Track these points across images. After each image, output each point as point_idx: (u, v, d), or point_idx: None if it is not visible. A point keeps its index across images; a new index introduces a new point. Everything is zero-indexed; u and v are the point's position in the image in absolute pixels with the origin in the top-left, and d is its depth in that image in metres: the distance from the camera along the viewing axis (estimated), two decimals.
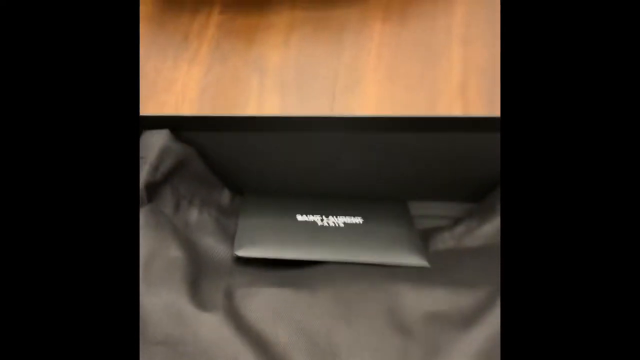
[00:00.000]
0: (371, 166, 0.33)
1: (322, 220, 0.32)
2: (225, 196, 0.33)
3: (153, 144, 0.28)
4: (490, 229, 0.30)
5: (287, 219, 0.32)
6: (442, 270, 0.27)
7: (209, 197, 0.32)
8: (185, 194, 0.30)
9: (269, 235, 0.30)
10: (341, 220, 0.32)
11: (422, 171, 0.33)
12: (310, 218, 0.32)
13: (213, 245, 0.29)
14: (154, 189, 0.28)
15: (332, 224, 0.32)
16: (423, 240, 0.32)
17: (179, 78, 0.46)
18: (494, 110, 0.40)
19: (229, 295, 0.24)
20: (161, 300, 0.23)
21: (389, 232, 0.32)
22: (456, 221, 0.32)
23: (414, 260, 0.29)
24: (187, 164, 0.30)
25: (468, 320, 0.23)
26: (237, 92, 0.45)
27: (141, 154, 0.28)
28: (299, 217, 0.32)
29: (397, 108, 0.42)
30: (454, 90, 0.41)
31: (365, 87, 0.44)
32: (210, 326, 0.22)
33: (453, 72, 0.42)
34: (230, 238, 0.30)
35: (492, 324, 0.22)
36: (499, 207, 0.30)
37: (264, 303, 0.24)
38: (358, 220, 0.32)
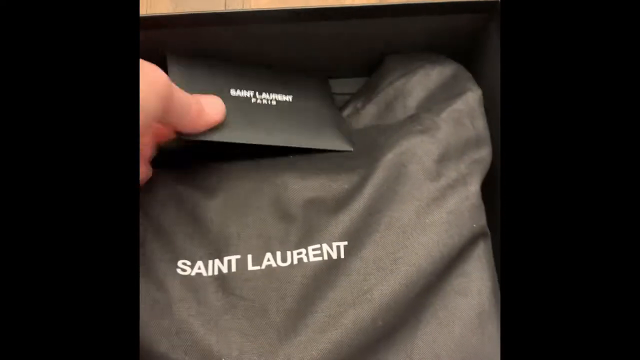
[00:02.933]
0: (266, 53, 0.35)
1: (255, 96, 0.31)
2: None
3: None
4: (373, 108, 0.33)
5: (221, 93, 0.30)
6: (330, 155, 0.31)
7: None
8: None
9: None
10: (273, 98, 0.32)
11: (316, 55, 0.35)
12: (244, 93, 0.31)
13: None
14: None
15: (264, 102, 0.31)
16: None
17: None
18: None
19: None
20: None
21: (317, 114, 0.32)
22: (347, 102, 0.35)
23: (341, 146, 0.31)
24: None
25: (340, 204, 0.27)
26: None
27: None
28: (233, 92, 0.31)
29: None
30: None
31: None
32: None
33: None
34: None
35: (356, 208, 0.27)
36: (380, 85, 0.33)
37: (165, 199, 0.28)
38: (288, 98, 0.32)
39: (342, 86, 0.38)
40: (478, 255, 0.27)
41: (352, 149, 0.31)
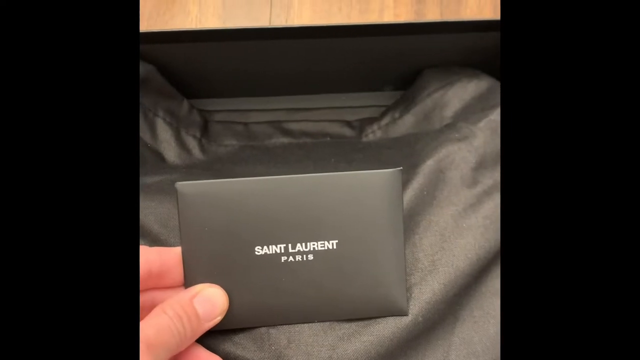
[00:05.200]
0: (308, 67, 0.37)
1: (286, 252, 0.25)
2: (184, 107, 0.37)
3: None
4: (411, 118, 0.35)
5: (242, 253, 0.25)
6: (368, 161, 0.33)
7: (169, 108, 0.36)
8: (149, 107, 0.34)
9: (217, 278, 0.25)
10: (311, 248, 0.25)
11: (355, 68, 0.37)
12: (272, 249, 0.25)
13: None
14: None
15: (298, 259, 0.25)
16: (358, 131, 0.37)
17: None
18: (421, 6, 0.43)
19: None
20: None
21: (369, 262, 0.25)
22: (385, 111, 0.37)
23: (395, 311, 0.26)
24: (149, 80, 0.34)
25: None
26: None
27: None
28: (258, 251, 0.25)
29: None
30: None
31: None
32: None
33: None
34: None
35: None
36: (419, 97, 0.35)
37: None
38: (332, 244, 0.25)
39: (378, 99, 0.40)
40: None
41: (407, 314, 0.26)
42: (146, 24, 0.43)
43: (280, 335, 0.25)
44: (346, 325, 0.25)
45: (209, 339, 0.25)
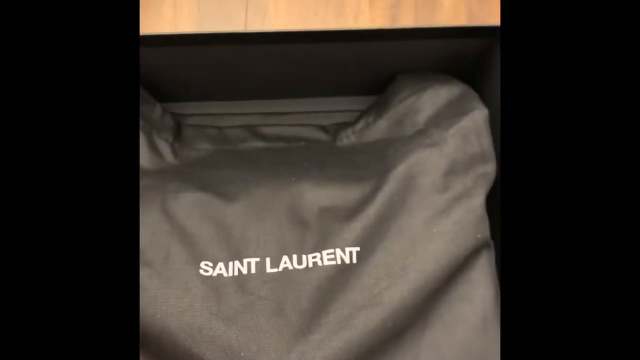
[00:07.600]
0: (283, 71, 0.37)
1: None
2: (157, 111, 0.36)
3: None
4: (384, 123, 0.35)
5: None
6: (342, 166, 0.33)
7: (142, 112, 0.35)
8: None
9: None
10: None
11: (329, 73, 0.37)
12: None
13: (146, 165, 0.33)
14: None
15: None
16: (332, 136, 0.37)
17: None
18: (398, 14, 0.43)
19: (163, 203, 0.29)
20: None
21: None
22: (359, 116, 0.37)
23: None
24: None
25: (352, 212, 0.29)
26: None
27: None
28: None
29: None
30: None
31: None
32: (148, 227, 0.28)
33: None
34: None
35: (367, 216, 0.28)
36: (392, 102, 0.35)
37: (190, 205, 0.29)
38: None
39: (352, 104, 0.40)
40: (482, 264, 0.29)
41: None
42: None
43: (249, 342, 0.25)
44: (316, 331, 0.26)
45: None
